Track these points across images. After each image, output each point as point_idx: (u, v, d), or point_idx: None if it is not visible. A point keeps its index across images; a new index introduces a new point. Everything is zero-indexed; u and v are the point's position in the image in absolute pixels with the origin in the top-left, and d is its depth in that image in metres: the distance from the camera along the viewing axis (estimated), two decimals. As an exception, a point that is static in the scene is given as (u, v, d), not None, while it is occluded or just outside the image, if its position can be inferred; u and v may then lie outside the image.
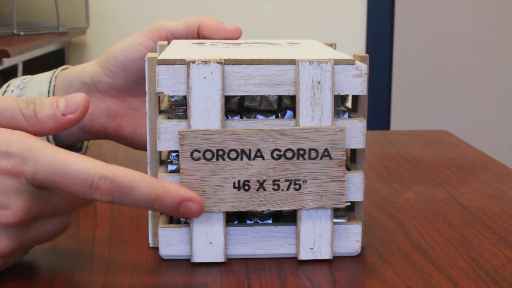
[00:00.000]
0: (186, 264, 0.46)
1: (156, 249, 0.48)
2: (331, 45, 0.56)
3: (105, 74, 0.60)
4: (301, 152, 0.45)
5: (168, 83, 0.45)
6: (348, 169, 0.49)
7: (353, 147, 0.47)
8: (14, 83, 0.63)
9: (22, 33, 1.88)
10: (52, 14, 2.14)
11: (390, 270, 0.45)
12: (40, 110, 0.44)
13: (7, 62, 1.57)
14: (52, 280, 0.44)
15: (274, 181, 0.45)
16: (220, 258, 0.46)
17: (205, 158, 0.45)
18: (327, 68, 0.45)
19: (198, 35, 0.60)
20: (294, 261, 0.47)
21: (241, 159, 0.45)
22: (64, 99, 0.44)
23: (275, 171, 0.45)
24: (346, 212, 0.49)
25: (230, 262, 0.46)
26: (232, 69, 0.45)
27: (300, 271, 0.45)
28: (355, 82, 0.46)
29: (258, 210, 0.46)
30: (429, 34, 2.52)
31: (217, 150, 0.45)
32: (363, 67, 0.45)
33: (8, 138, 0.42)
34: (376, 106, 2.47)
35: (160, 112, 0.48)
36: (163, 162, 0.49)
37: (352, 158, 0.50)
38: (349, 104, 0.54)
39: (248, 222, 0.48)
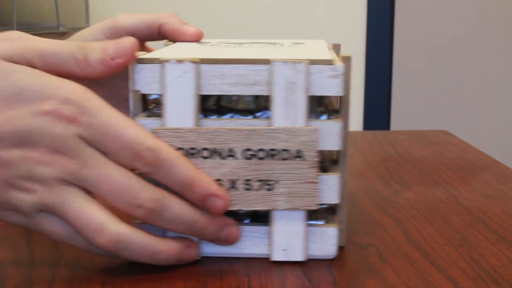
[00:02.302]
0: (186, 263, 0.46)
1: None
2: (336, 46, 0.56)
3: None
4: (273, 152, 0.45)
5: (144, 82, 0.45)
6: (325, 170, 0.48)
7: (328, 148, 0.46)
8: None
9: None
10: (52, 14, 2.14)
11: (390, 270, 0.45)
12: (90, 55, 0.45)
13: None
14: (52, 280, 0.44)
15: (246, 180, 0.45)
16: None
17: None
18: (300, 69, 0.44)
19: (160, 34, 0.59)
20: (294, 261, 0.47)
21: (213, 158, 0.45)
22: (113, 43, 0.45)
23: (247, 171, 0.45)
24: (329, 214, 0.49)
25: (230, 262, 0.46)
26: (207, 69, 0.45)
27: (300, 271, 0.45)
28: (331, 83, 0.45)
29: (230, 209, 0.45)
30: (429, 34, 2.52)
31: (190, 149, 0.45)
32: (340, 67, 0.45)
33: (70, 87, 0.42)
34: (376, 106, 2.47)
35: (147, 109, 0.49)
36: None
37: (336, 160, 0.50)
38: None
39: None
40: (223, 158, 0.45)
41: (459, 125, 2.56)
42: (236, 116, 0.48)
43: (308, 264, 0.46)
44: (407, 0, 2.50)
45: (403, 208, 0.58)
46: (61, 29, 2.03)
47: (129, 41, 0.45)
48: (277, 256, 0.46)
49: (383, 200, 0.60)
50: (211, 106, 0.48)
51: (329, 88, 0.45)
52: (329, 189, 0.46)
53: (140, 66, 0.45)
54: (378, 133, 0.88)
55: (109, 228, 0.42)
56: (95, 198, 0.43)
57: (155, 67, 0.45)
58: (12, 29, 1.87)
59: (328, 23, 2.43)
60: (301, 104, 0.45)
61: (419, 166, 0.72)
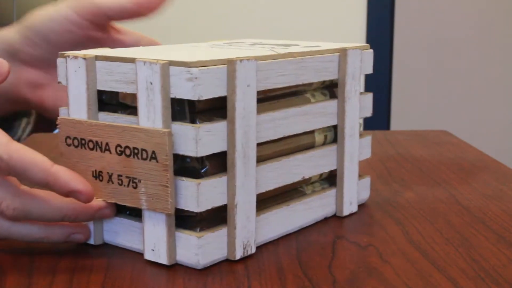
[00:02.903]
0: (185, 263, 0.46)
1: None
2: (343, 50, 0.54)
3: (26, 44, 0.58)
4: (136, 151, 0.45)
5: (62, 74, 0.49)
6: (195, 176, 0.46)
7: (184, 153, 0.44)
8: None
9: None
10: (52, 14, 2.13)
11: (390, 270, 0.45)
12: None
13: (7, 62, 1.57)
14: (52, 280, 0.44)
15: (118, 175, 0.46)
16: (93, 241, 0.49)
17: (73, 145, 0.48)
18: (156, 69, 0.44)
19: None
20: (294, 261, 0.47)
21: (96, 150, 0.47)
22: None
23: (119, 166, 0.46)
24: (220, 223, 0.47)
25: (230, 262, 0.46)
26: (100, 65, 0.47)
27: (300, 271, 0.45)
28: (187, 86, 0.43)
29: (108, 201, 0.47)
30: (429, 34, 2.52)
31: (81, 139, 0.47)
32: (195, 71, 0.43)
33: None
34: (376, 106, 2.47)
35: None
36: None
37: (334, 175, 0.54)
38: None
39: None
40: (103, 151, 0.46)
41: (459, 125, 2.56)
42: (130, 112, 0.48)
43: (308, 264, 0.46)
44: (407, 0, 2.50)
45: (403, 208, 0.58)
46: (61, 29, 2.03)
47: (3, 65, 0.47)
48: (148, 256, 0.47)
49: (383, 200, 0.60)
50: (111, 101, 0.50)
51: (186, 91, 0.44)
52: (190, 196, 0.45)
53: (60, 60, 0.49)
54: (378, 133, 0.88)
55: (8, 198, 0.45)
56: None
57: (65, 60, 0.49)
58: (12, 29, 1.87)
59: (328, 23, 2.43)
60: (158, 105, 0.44)
61: (419, 166, 0.72)
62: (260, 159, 0.49)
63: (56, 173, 0.44)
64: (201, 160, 0.46)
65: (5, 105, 0.62)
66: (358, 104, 0.56)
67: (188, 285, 0.43)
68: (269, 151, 0.50)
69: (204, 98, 0.44)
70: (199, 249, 0.45)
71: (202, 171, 0.45)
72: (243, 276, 0.44)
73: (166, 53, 0.48)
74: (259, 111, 0.48)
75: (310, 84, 0.54)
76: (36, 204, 0.45)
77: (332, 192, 0.56)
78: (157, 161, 0.44)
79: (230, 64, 0.44)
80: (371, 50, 0.57)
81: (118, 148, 0.46)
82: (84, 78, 0.47)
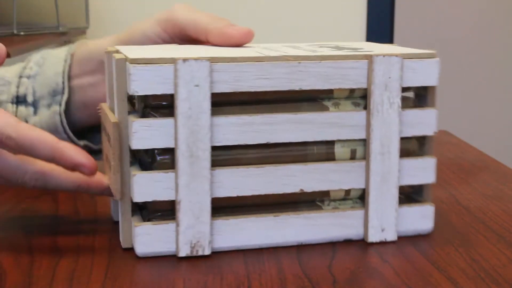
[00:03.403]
0: (186, 263, 0.46)
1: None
2: (353, 49, 0.53)
3: None
4: (107, 138, 0.49)
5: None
6: None
7: (129, 144, 0.47)
8: (34, 58, 0.66)
9: (22, 33, 1.88)
10: (52, 14, 2.14)
11: (390, 270, 0.45)
12: None
13: (7, 62, 1.57)
14: (52, 280, 0.44)
15: (107, 157, 0.49)
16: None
17: None
18: (115, 64, 0.47)
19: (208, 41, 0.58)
20: (295, 261, 0.47)
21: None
22: None
23: (109, 151, 0.48)
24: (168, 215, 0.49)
25: (230, 262, 0.46)
26: None
27: (300, 271, 0.45)
28: (128, 81, 0.46)
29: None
30: (429, 34, 2.52)
31: None
32: (130, 68, 0.45)
33: None
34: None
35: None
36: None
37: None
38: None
39: None
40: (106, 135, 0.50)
41: (459, 125, 2.56)
42: None
43: (309, 264, 0.46)
44: (407, 0, 2.50)
45: (403, 208, 0.58)
46: (61, 29, 2.03)
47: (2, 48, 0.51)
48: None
49: (383, 200, 0.60)
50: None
51: (128, 86, 0.46)
52: (130, 186, 0.47)
53: None
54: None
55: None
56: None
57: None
58: (12, 29, 1.87)
59: (328, 23, 2.43)
60: (116, 98, 0.48)
61: (419, 166, 0.72)
62: (239, 163, 0.48)
63: (62, 148, 0.47)
64: (151, 153, 0.48)
65: (97, 115, 0.64)
66: (398, 118, 0.49)
67: (188, 285, 0.43)
68: (252, 156, 0.49)
69: (140, 94, 0.45)
70: (136, 237, 0.47)
71: (153, 164, 0.47)
72: (243, 276, 0.44)
73: (151, 51, 0.50)
74: (230, 113, 0.48)
75: (331, 91, 0.50)
76: (53, 175, 0.49)
77: (358, 213, 0.50)
78: (111, 148, 0.47)
79: (175, 63, 0.45)
80: (433, 60, 0.50)
81: (103, 133, 0.52)
82: None
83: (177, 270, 0.45)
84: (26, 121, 0.63)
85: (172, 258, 0.47)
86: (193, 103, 0.46)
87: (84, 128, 0.66)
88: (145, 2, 2.34)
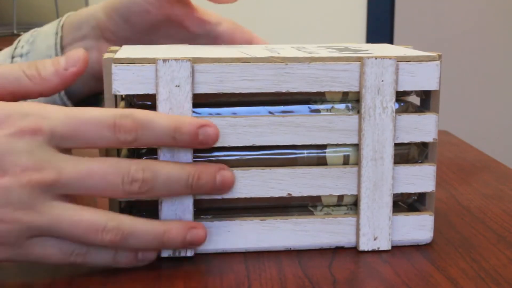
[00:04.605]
0: (186, 263, 0.46)
1: None
2: (357, 50, 0.53)
3: (109, 23, 0.60)
4: None
5: None
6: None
7: None
8: (24, 37, 0.64)
9: (22, 33, 1.88)
10: (52, 14, 2.14)
11: (390, 270, 0.45)
12: (43, 70, 0.45)
13: None
14: (52, 280, 0.44)
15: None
16: None
17: None
18: (104, 64, 0.46)
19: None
20: (295, 261, 0.47)
21: None
22: (64, 56, 0.46)
23: None
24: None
25: (230, 262, 0.46)
26: None
27: (300, 271, 0.45)
28: (112, 81, 0.46)
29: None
30: (429, 34, 2.52)
31: None
32: (113, 67, 0.45)
33: (23, 104, 0.42)
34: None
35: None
36: None
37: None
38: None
39: None
40: None
41: (459, 125, 2.56)
42: None
43: (309, 264, 0.46)
44: (407, 0, 2.50)
45: (403, 208, 0.58)
46: (61, 29, 2.03)
47: (80, 51, 0.46)
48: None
49: (383, 200, 0.60)
50: None
51: (112, 85, 0.46)
52: None
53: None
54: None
55: (109, 224, 0.42)
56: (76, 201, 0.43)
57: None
58: (12, 29, 1.87)
59: (328, 23, 2.43)
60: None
61: (419, 166, 0.72)
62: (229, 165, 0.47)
63: (179, 116, 0.43)
64: (138, 152, 0.47)
65: (91, 83, 0.63)
66: (392, 124, 0.47)
67: (188, 285, 0.43)
68: (238, 158, 0.48)
69: (122, 93, 0.45)
70: None
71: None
72: (243, 276, 0.44)
73: (144, 50, 0.50)
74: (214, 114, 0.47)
75: (322, 94, 0.49)
76: (161, 163, 0.43)
77: (350, 220, 0.49)
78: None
79: (156, 63, 0.45)
80: (433, 63, 0.48)
81: None
82: None
83: (177, 270, 0.45)
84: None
85: (172, 258, 0.47)
86: (174, 104, 0.45)
87: (85, 98, 0.66)
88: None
